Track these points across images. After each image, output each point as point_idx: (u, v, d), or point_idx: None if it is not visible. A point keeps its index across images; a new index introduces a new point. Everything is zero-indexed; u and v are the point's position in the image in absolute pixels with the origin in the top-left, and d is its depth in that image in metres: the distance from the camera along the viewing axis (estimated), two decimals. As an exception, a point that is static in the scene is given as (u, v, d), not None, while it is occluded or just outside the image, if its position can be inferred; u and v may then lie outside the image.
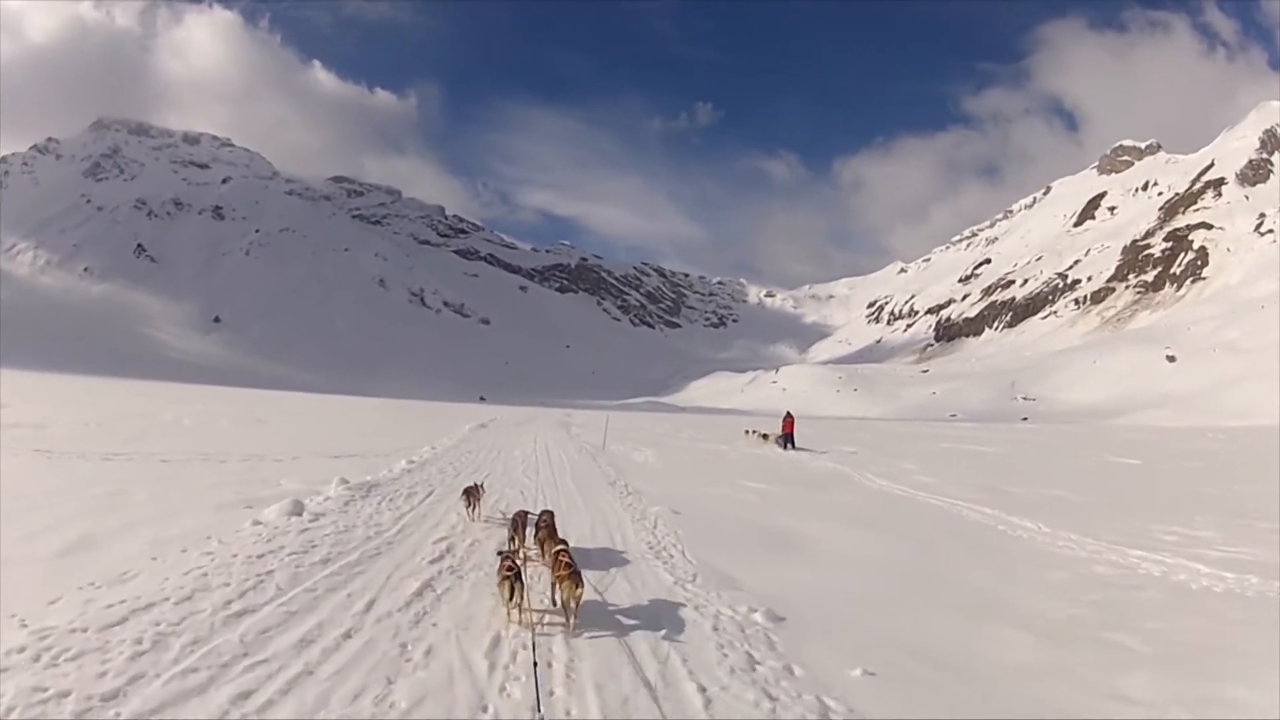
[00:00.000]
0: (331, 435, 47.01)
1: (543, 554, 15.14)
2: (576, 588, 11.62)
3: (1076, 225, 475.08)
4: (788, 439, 52.08)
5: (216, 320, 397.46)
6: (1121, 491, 33.24)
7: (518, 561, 12.70)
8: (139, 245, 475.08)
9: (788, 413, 56.36)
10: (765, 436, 55.26)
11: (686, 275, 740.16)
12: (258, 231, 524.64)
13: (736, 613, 12.67)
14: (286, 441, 39.13)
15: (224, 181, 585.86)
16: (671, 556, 16.58)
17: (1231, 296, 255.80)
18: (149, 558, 13.71)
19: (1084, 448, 63.44)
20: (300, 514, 18.05)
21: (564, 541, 14.26)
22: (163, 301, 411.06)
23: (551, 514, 16.99)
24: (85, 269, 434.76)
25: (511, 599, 11.52)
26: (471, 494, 20.03)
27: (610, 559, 16.07)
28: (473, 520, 19.38)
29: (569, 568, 11.94)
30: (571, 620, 11.57)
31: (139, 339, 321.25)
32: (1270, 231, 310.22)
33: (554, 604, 12.24)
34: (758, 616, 12.53)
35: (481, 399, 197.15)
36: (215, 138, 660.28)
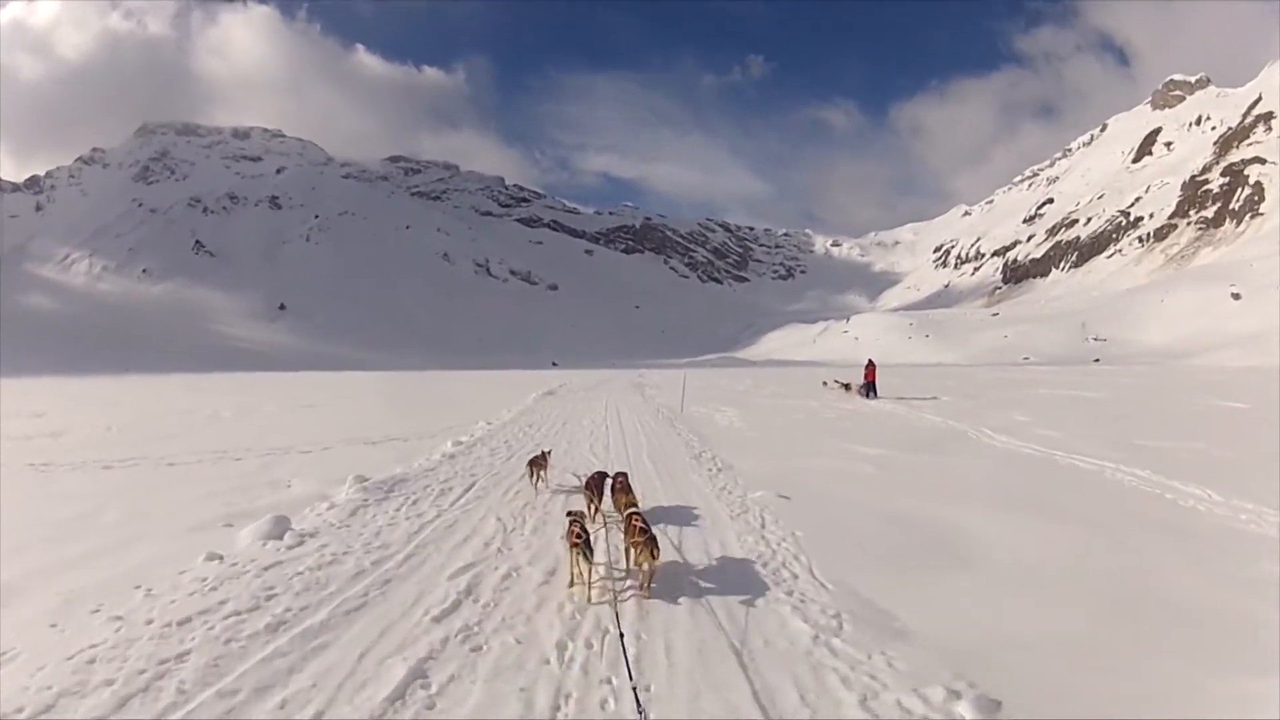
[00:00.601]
0: (379, 417, 42.06)
1: (617, 511, 14.20)
2: (654, 556, 10.82)
3: (1135, 162, 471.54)
4: (869, 387, 50.49)
5: (282, 308, 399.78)
6: (1256, 442, 28.01)
7: (588, 525, 11.81)
8: (197, 242, 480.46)
9: (869, 360, 54.30)
10: (847, 386, 53.71)
11: (752, 229, 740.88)
12: (317, 217, 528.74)
13: (930, 705, 7.71)
14: (325, 428, 34.99)
15: (278, 172, 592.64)
16: (795, 577, 11.61)
17: None
18: (47, 625, 9.92)
19: (1181, 391, 58.66)
20: (281, 536, 13.82)
21: (634, 502, 13.65)
22: (226, 295, 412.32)
23: (625, 475, 15.79)
24: (144, 270, 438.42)
25: (580, 569, 10.83)
26: (537, 464, 18.57)
27: (708, 587, 11.26)
28: (537, 492, 18.03)
29: (644, 532, 11.07)
30: (647, 589, 10.85)
31: (204, 334, 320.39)
32: None
33: (627, 570, 11.59)
34: (963, 710, 7.56)
35: (554, 364, 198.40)
36: (266, 130, 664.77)
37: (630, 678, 7.89)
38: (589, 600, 10.53)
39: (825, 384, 60.93)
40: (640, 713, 7.13)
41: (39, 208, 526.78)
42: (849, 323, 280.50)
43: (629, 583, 11.21)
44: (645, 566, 10.89)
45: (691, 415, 38.52)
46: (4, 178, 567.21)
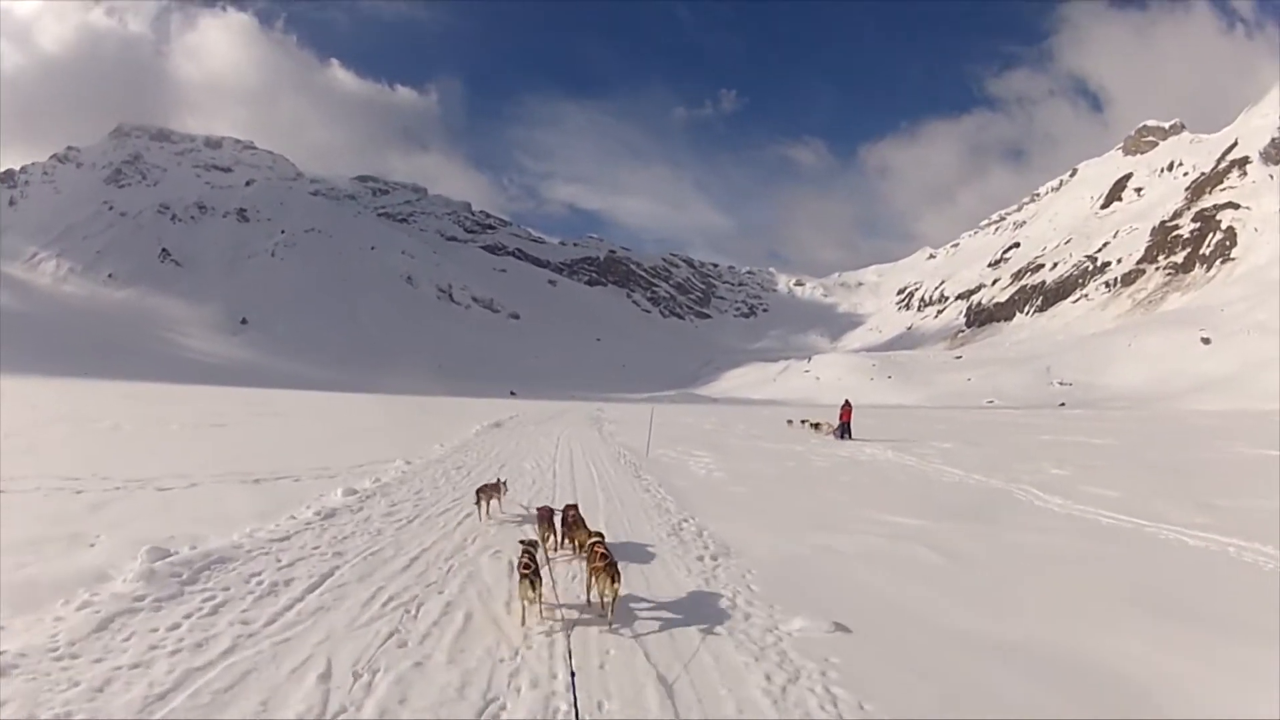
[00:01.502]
0: (288, 444, 35.50)
1: (573, 548, 14.49)
2: (614, 582, 10.92)
3: (1104, 207, 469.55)
4: (845, 428, 48.25)
5: (243, 322, 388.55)
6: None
7: (537, 555, 11.72)
8: (163, 250, 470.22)
9: (846, 401, 53.19)
10: (817, 426, 53.21)
11: (715, 265, 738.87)
12: (283, 233, 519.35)
13: None
14: (216, 455, 28.58)
15: (247, 184, 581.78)
16: None
17: (1260, 277, 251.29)
18: None
19: (1193, 436, 56.00)
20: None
21: (599, 533, 13.34)
22: (188, 304, 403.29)
23: (576, 507, 15.70)
24: (109, 275, 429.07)
25: (531, 595, 10.74)
26: (487, 492, 18.12)
27: None
28: (484, 521, 17.58)
29: (605, 558, 11.24)
30: (610, 616, 10.86)
31: (164, 343, 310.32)
32: None
33: (588, 602, 11.66)
34: None
35: (512, 394, 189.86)
36: (238, 141, 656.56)
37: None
38: (523, 624, 10.56)
39: (790, 423, 61.27)
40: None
41: (12, 202, 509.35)
42: (810, 362, 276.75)
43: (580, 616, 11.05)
44: (607, 595, 10.85)
45: (660, 460, 32.51)
46: None
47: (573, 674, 8.43)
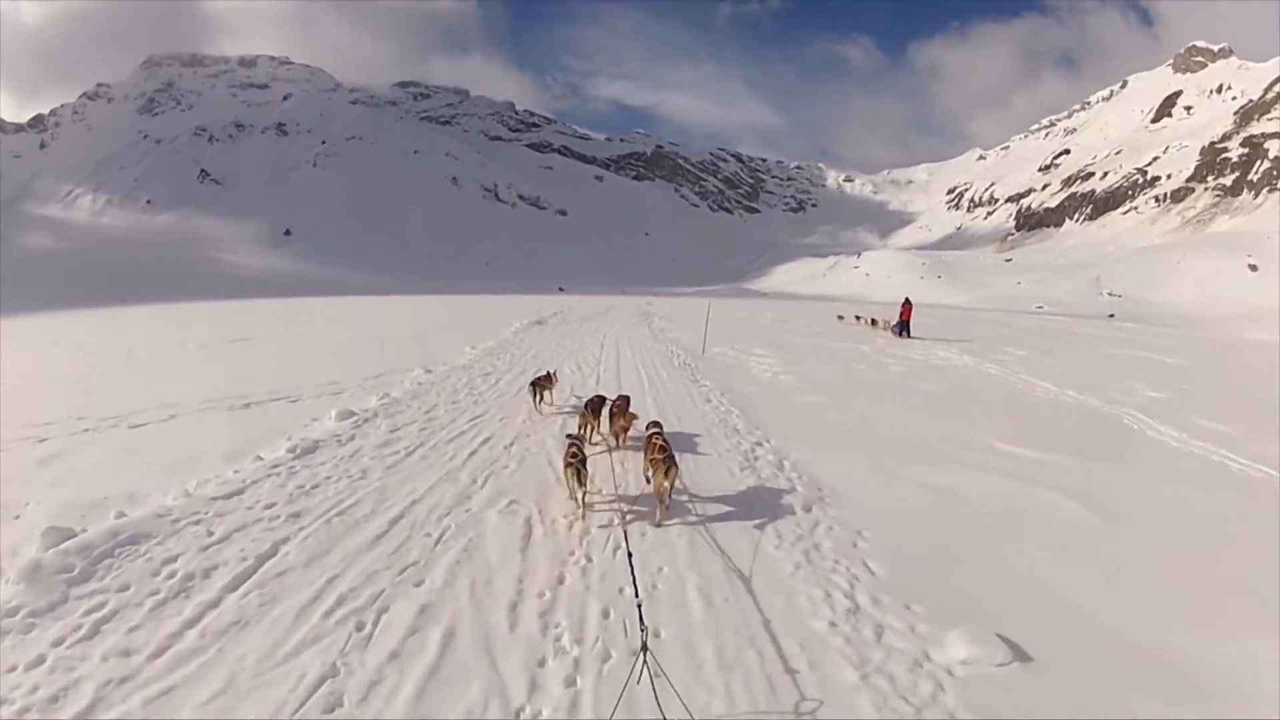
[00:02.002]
0: (307, 356, 31.20)
1: (618, 437, 14.36)
2: (671, 471, 10.77)
3: (1154, 122, 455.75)
4: (904, 326, 45.35)
5: (287, 234, 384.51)
6: None
7: (585, 447, 12.05)
8: (202, 171, 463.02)
9: (906, 298, 49.80)
10: (874, 323, 51.37)
11: (764, 160, 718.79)
12: (324, 143, 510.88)
13: None
14: (217, 378, 24.13)
15: (285, 99, 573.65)
16: None
17: None
18: None
19: (1255, 363, 45.99)
20: None
21: (657, 423, 12.83)
22: (231, 222, 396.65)
23: (627, 398, 15.39)
24: (148, 201, 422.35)
25: (580, 487, 10.75)
26: (541, 385, 18.09)
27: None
28: (541, 414, 17.57)
29: (663, 450, 10.94)
30: (661, 509, 10.77)
31: (208, 263, 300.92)
32: None
33: (650, 486, 11.34)
34: None
35: (560, 289, 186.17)
36: (272, 58, 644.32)
37: (636, 594, 7.70)
38: (581, 518, 10.57)
39: (842, 318, 59.34)
40: (642, 629, 7.03)
41: (43, 145, 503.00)
42: (860, 259, 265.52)
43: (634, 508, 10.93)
44: (665, 484, 10.74)
45: (718, 360, 29.11)
46: (6, 120, 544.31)
47: (630, 554, 8.63)
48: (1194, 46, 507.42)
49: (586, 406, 15.16)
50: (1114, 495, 12.97)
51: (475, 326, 45.52)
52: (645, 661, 6.61)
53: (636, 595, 7.57)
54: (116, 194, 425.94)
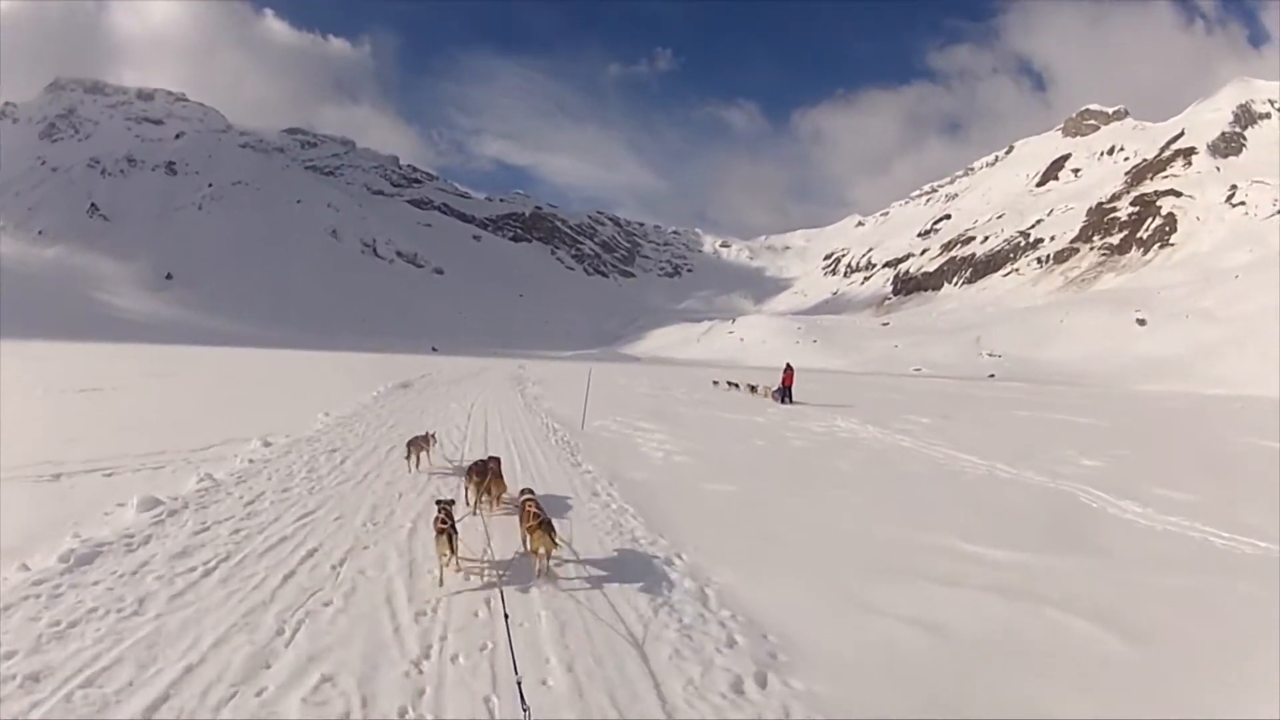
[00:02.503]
0: (150, 414, 28.66)
1: (491, 501, 14.64)
2: (552, 539, 10.86)
3: (1039, 185, 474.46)
4: (786, 392, 46.27)
5: (169, 277, 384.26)
6: None
7: (454, 512, 11.59)
8: (92, 204, 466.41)
9: (787, 364, 50.77)
10: (754, 389, 52.40)
11: (642, 224, 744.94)
12: (210, 186, 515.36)
13: None
14: (47, 433, 22.42)
15: (177, 137, 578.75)
16: None
17: (1202, 264, 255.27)
18: None
19: (1185, 422, 49.73)
20: None
21: (529, 489, 13.49)
22: (115, 261, 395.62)
23: (498, 460, 16.01)
24: (40, 232, 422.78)
25: (450, 554, 10.73)
26: (418, 445, 18.48)
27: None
28: (412, 471, 17.92)
29: (537, 517, 11.14)
30: (541, 573, 10.83)
31: (88, 301, 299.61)
32: (1242, 203, 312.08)
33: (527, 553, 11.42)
34: None
35: (434, 349, 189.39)
36: (170, 93, 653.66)
37: (515, 670, 7.45)
38: (440, 584, 10.43)
39: (716, 383, 60.77)
40: (524, 709, 6.70)
41: None
42: (735, 324, 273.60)
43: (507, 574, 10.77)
44: (542, 551, 10.77)
45: (601, 436, 26.20)
46: None
47: (506, 616, 8.73)
48: (1087, 110, 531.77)
49: (471, 470, 15.10)
50: (1117, 602, 10.97)
51: (336, 388, 43.37)
52: None
53: (516, 671, 7.34)
54: (11, 221, 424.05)
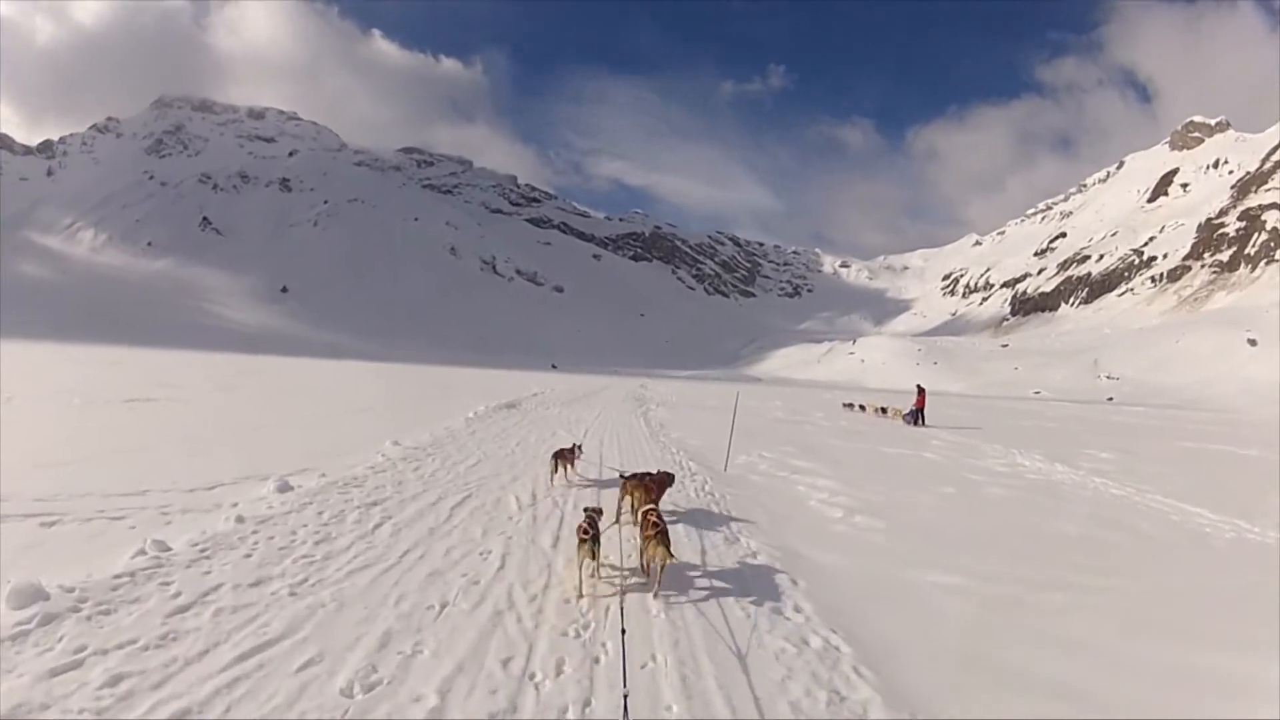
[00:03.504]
0: (188, 438, 22.12)
1: (634, 515, 13.24)
2: (666, 548, 10.32)
3: (1150, 201, 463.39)
4: (918, 415, 44.16)
5: (284, 290, 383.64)
6: None
7: (600, 521, 11.17)
8: (204, 218, 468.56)
9: (919, 386, 48.36)
10: (883, 411, 49.75)
11: (761, 244, 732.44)
12: (326, 203, 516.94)
13: None
14: (69, 453, 18.58)
15: (290, 154, 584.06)
16: None
17: None
18: None
19: (1214, 438, 46.48)
20: None
21: (653, 502, 12.88)
22: (228, 273, 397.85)
23: (668, 475, 14.83)
24: (148, 243, 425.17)
25: (592, 561, 10.41)
26: (564, 457, 17.58)
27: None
28: (552, 486, 17.01)
29: (656, 526, 10.68)
30: (656, 585, 10.32)
31: (199, 312, 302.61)
32: None
33: (642, 568, 11.05)
34: None
35: (553, 366, 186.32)
36: (281, 112, 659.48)
37: (624, 683, 7.15)
38: (580, 594, 9.98)
39: (850, 406, 57.39)
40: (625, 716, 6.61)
41: (50, 173, 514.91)
42: (855, 344, 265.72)
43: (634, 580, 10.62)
44: (657, 561, 10.36)
45: (749, 481, 19.83)
46: (15, 140, 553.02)
47: (623, 631, 8.27)
48: (1191, 122, 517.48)
49: (623, 486, 14.22)
50: None
51: (429, 407, 37.28)
52: None
53: (625, 685, 7.10)
54: (117, 232, 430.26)
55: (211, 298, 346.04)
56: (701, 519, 14.72)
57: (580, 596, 9.85)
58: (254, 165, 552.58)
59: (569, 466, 17.49)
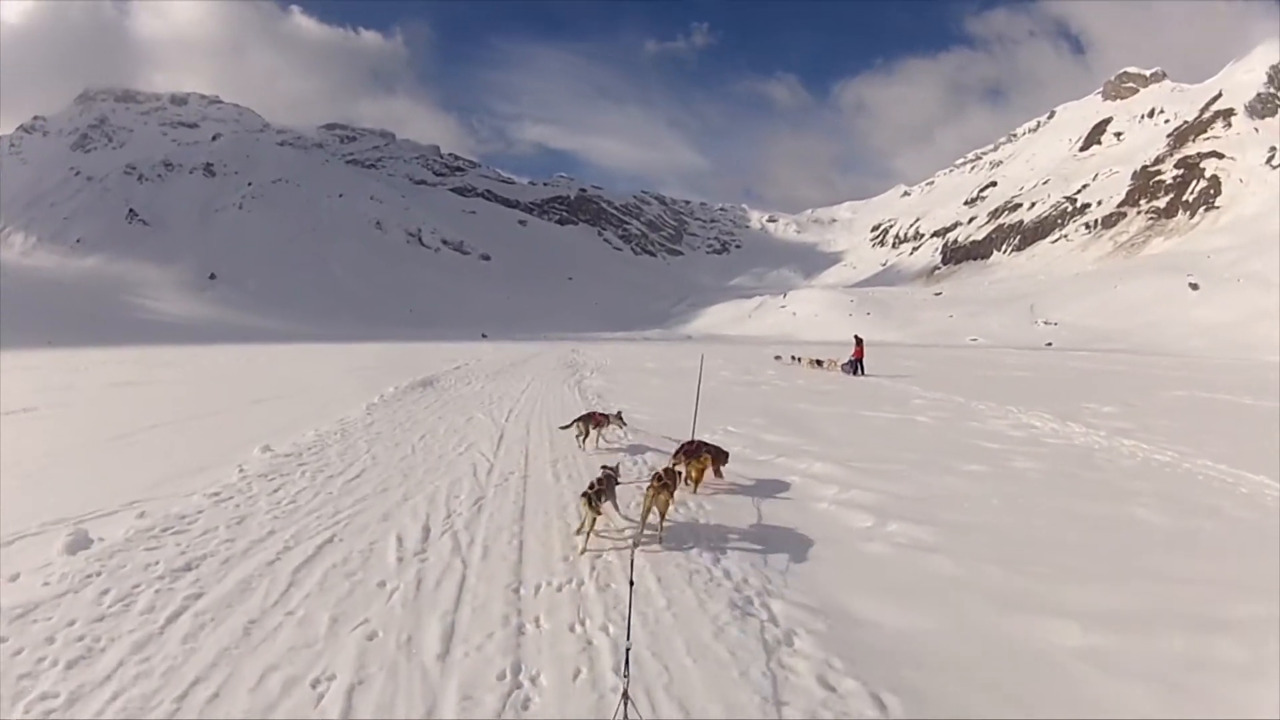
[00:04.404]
0: (43, 464, 16.81)
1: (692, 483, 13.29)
2: (663, 497, 10.50)
3: (1083, 150, 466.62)
4: (857, 365, 45.02)
5: (212, 277, 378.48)
6: None
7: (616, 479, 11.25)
8: (130, 210, 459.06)
9: (857, 337, 49.98)
10: (819, 363, 49.21)
11: (688, 202, 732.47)
12: (250, 185, 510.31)
13: None
14: None
15: (214, 139, 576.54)
16: None
17: (1248, 228, 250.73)
18: None
19: (1204, 385, 43.22)
20: None
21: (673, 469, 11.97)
22: (156, 265, 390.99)
23: (720, 451, 14.10)
24: (78, 240, 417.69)
25: (591, 513, 10.24)
26: (597, 421, 17.00)
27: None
28: (585, 450, 16.53)
29: (661, 480, 10.67)
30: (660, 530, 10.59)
31: (128, 307, 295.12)
32: None
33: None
34: None
35: (483, 336, 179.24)
36: (203, 96, 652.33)
37: (628, 637, 7.04)
38: (581, 551, 9.97)
39: (778, 358, 58.31)
40: (626, 675, 6.40)
41: None
42: (786, 298, 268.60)
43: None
44: (655, 513, 10.46)
45: (724, 470, 14.31)
46: None
47: (631, 583, 8.34)
48: (1125, 73, 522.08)
49: (680, 450, 13.63)
50: None
51: (333, 392, 31.13)
52: (625, 712, 6.05)
53: (628, 638, 6.95)
54: (47, 232, 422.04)
55: (141, 291, 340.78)
56: (678, 545, 10.43)
57: (583, 552, 9.80)
58: (178, 152, 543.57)
59: (600, 433, 16.97)
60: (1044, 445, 20.04)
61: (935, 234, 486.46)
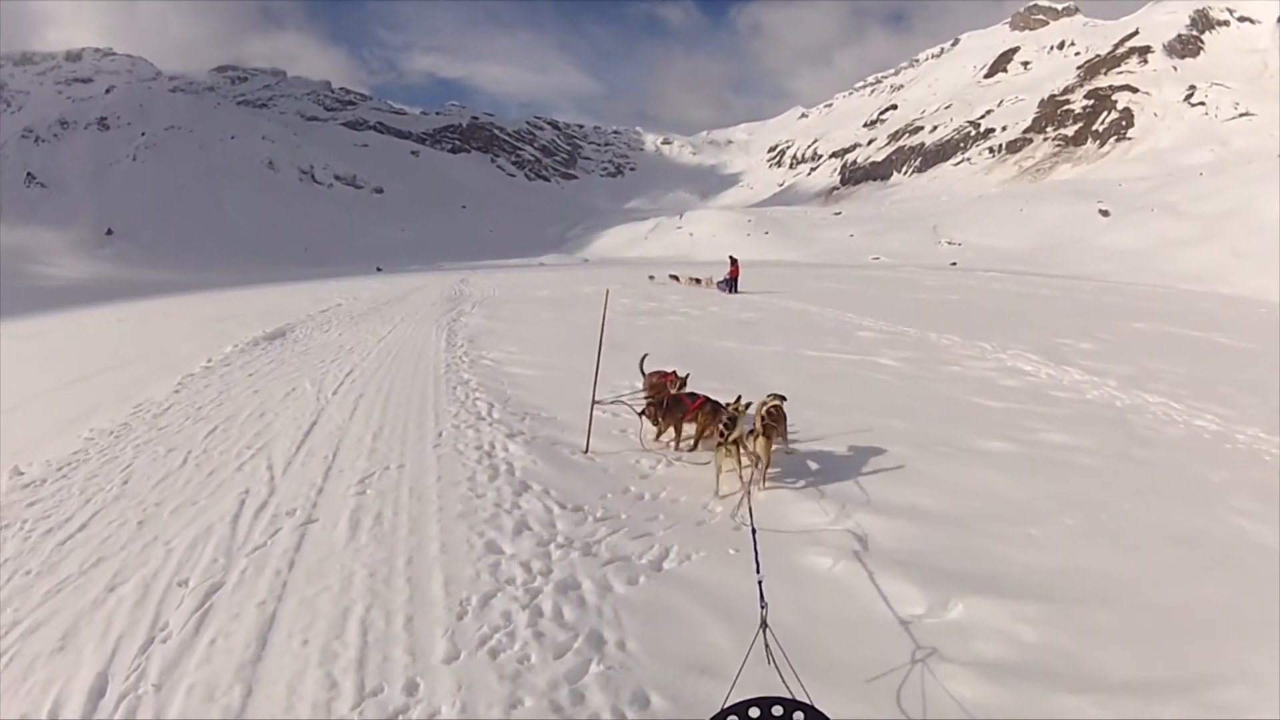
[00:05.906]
0: None
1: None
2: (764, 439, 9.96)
3: (987, 77, 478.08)
4: (731, 284, 45.67)
5: (109, 233, 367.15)
6: None
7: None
8: (28, 174, 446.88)
9: (732, 257, 51.30)
10: (697, 281, 50.43)
11: (581, 126, 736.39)
12: (143, 135, 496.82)
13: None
14: None
15: (108, 91, 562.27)
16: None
17: (1163, 160, 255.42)
18: None
19: (1157, 315, 38.11)
20: None
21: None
22: (55, 227, 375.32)
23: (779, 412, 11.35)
24: None
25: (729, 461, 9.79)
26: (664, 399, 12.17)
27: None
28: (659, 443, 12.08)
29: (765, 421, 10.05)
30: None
31: (29, 274, 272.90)
32: (1202, 104, 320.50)
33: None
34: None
35: (378, 269, 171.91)
36: (97, 49, 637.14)
37: (758, 569, 6.91)
38: (717, 493, 9.79)
39: (652, 278, 58.74)
40: (763, 605, 6.40)
41: None
42: (682, 219, 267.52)
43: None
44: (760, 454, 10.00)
45: (653, 480, 10.52)
46: None
47: (754, 530, 7.67)
48: (1035, 4, 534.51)
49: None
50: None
51: (168, 355, 24.98)
52: (765, 639, 6.22)
53: (758, 570, 6.85)
54: None
55: (40, 257, 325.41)
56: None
57: (718, 495, 9.59)
58: (72, 110, 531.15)
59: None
60: (1057, 403, 15.66)
61: (834, 155, 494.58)
